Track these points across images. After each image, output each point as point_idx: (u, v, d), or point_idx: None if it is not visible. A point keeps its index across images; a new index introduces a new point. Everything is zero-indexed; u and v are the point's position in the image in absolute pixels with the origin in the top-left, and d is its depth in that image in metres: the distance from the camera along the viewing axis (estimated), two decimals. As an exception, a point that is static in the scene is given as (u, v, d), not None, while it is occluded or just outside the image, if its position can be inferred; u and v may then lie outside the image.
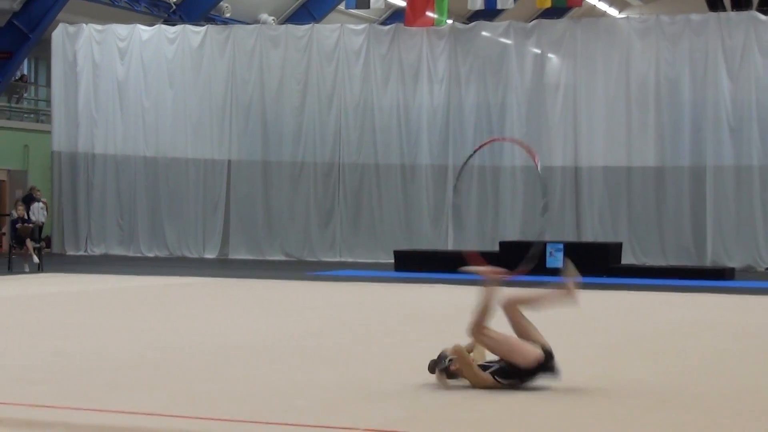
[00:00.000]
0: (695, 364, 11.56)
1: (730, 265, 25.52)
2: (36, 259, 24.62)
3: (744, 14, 28.41)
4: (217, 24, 34.39)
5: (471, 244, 27.23)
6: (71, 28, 31.29)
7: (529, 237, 26.72)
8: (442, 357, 9.08)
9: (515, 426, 7.93)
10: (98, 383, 9.44)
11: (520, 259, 23.38)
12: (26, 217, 26.35)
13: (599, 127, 27.82)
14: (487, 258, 20.52)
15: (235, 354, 11.81)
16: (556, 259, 24.13)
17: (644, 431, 8.05)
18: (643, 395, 9.37)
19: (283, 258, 29.27)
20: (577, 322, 14.60)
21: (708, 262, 26.33)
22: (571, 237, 26.94)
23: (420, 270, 24.34)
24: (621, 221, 27.46)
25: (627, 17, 40.15)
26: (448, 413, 8.44)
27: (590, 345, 12.73)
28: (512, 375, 8.97)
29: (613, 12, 49.92)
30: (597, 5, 49.81)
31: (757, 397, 9.31)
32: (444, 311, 16.44)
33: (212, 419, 8.14)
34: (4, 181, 35.24)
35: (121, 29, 31.27)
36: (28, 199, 29.92)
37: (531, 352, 8.89)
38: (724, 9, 30.93)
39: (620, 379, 10.32)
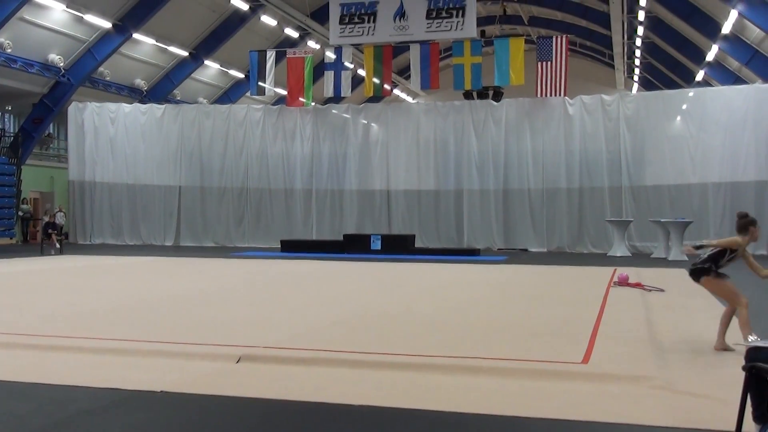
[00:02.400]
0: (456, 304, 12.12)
1: (477, 246, 26.00)
2: (57, 246, 24.29)
3: (485, 101, 28.76)
4: (171, 103, 34.14)
5: (326, 236, 27.66)
6: (80, 105, 30.69)
7: (362, 232, 27.04)
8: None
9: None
10: (98, 322, 9.65)
11: (356, 245, 23.65)
12: (53, 220, 25.92)
13: (401, 166, 27.98)
14: (333, 245, 20.80)
15: (182, 301, 12.10)
16: (376, 244, 24.64)
17: (423, 345, 8.49)
18: (425, 322, 9.94)
19: (213, 245, 29.20)
20: (392, 280, 15.11)
21: (465, 245, 26.76)
22: (385, 231, 27.10)
23: (297, 251, 24.44)
24: (414, 221, 27.70)
25: (417, 102, 41.13)
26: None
27: (397, 294, 13.13)
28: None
29: (409, 99, 50.99)
30: (400, 95, 50.85)
31: (490, 322, 9.99)
32: (305, 273, 16.89)
33: (171, 343, 8.38)
34: (38, 198, 34.38)
35: (111, 106, 30.74)
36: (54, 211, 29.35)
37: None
38: (473, 98, 31.54)
39: (414, 312, 10.87)
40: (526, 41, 28.21)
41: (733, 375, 5.84)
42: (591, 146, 26.10)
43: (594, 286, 13.82)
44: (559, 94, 26.06)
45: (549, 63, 26.00)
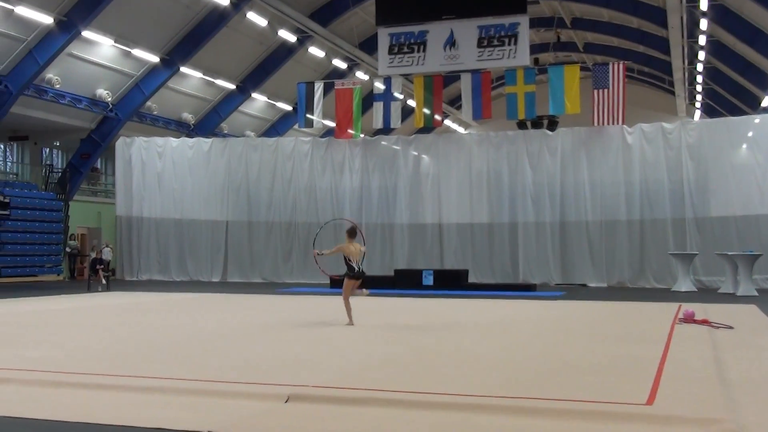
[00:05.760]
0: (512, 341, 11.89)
1: (533, 282, 25.75)
2: (104, 282, 24.53)
3: (539, 131, 28.89)
4: (218, 137, 34.68)
5: (376, 271, 27.67)
6: (128, 140, 31.34)
7: (414, 267, 27.00)
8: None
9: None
10: (144, 360, 9.72)
11: (407, 281, 23.59)
12: (100, 256, 26.31)
13: (453, 198, 28.01)
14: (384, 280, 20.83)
15: (229, 338, 12.16)
16: (428, 279, 24.53)
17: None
18: (480, 361, 9.72)
19: (261, 281, 29.38)
20: (444, 316, 14.95)
21: (520, 280, 26.54)
22: (437, 266, 27.06)
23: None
24: (467, 255, 27.67)
25: (469, 133, 41.13)
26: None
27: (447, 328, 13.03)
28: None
29: (460, 130, 51.09)
30: (451, 125, 50.96)
31: (547, 360, 9.82)
32: (354, 310, 16.88)
33: (218, 381, 8.41)
34: (85, 234, 35.04)
35: (159, 140, 31.36)
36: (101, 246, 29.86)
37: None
38: (527, 128, 31.52)
39: (468, 350, 10.72)
40: (582, 68, 28.09)
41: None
42: (652, 176, 25.79)
43: (658, 323, 13.55)
44: (617, 123, 25.84)
45: (606, 90, 25.82)
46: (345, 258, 12.80)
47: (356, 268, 12.89)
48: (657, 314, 15.28)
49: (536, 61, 38.14)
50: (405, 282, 24.34)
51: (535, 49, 40.67)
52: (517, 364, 8.94)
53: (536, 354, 9.83)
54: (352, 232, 13.14)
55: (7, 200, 29.27)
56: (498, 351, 10.11)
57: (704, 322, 13.10)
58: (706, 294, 21.52)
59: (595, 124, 26.10)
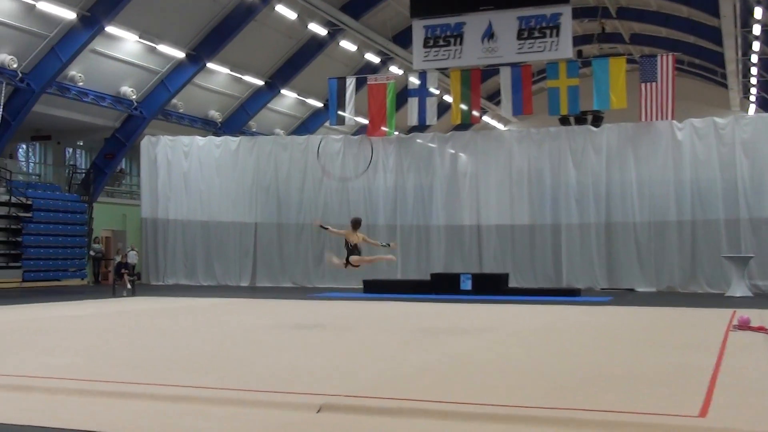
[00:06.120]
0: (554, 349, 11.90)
1: (578, 286, 25.59)
2: (130, 287, 24.72)
3: (583, 127, 28.73)
4: (247, 135, 34.87)
5: (412, 275, 27.66)
6: (153, 139, 31.65)
7: (451, 270, 27.00)
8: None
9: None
10: (171, 367, 9.78)
11: (444, 285, 23.72)
12: (125, 260, 26.60)
13: (492, 199, 27.95)
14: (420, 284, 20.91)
15: (258, 345, 12.23)
16: (466, 284, 24.50)
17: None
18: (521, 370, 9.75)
19: (291, 285, 29.51)
20: (483, 323, 15.02)
21: (564, 284, 26.48)
22: (475, 269, 27.02)
23: (380, 292, 24.55)
24: (507, 259, 27.59)
25: (509, 129, 41.02)
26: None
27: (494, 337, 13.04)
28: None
29: (499, 126, 50.93)
30: (489, 122, 50.79)
31: (593, 369, 9.78)
32: (389, 316, 16.89)
33: (247, 390, 8.44)
34: (110, 237, 35.43)
35: (185, 139, 31.63)
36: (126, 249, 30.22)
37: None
38: (570, 124, 31.35)
39: (509, 358, 10.72)
40: (628, 61, 27.83)
41: None
42: (703, 174, 25.52)
43: (710, 330, 13.42)
44: (666, 118, 25.58)
45: (654, 84, 25.58)
46: (346, 242, 14.34)
47: (352, 247, 14.36)
48: (710, 321, 15.13)
49: (579, 54, 37.87)
50: (442, 286, 24.36)
51: (579, 40, 40.32)
52: (562, 373, 8.89)
53: (581, 363, 9.77)
54: (357, 224, 14.57)
55: (29, 202, 29.70)
56: (541, 359, 10.07)
57: (760, 329, 12.94)
58: (763, 299, 21.23)
59: (643, 119, 25.86)
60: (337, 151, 29.57)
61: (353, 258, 14.14)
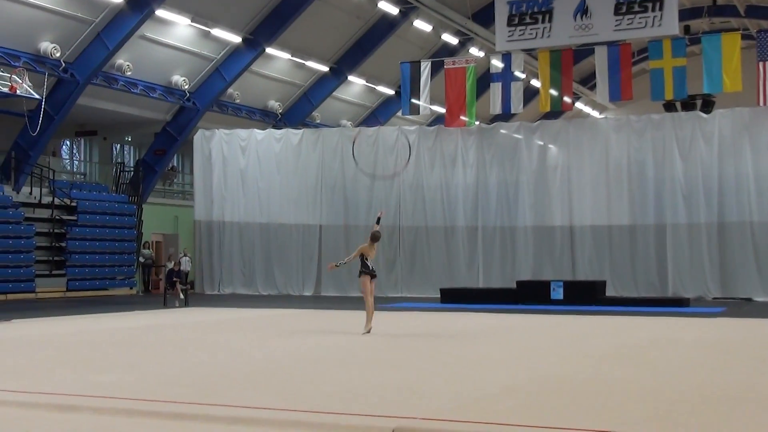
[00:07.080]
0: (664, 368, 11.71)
1: (686, 295, 25.23)
2: (182, 297, 24.93)
3: (691, 113, 28.35)
4: (310, 127, 35.11)
5: (496, 283, 27.54)
6: (207, 133, 32.09)
7: (540, 278, 26.83)
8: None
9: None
10: (228, 386, 9.80)
11: (532, 294, 23.70)
12: (178, 268, 26.90)
13: (587, 196, 27.75)
14: (505, 294, 20.65)
15: (324, 362, 12.26)
16: (557, 293, 24.31)
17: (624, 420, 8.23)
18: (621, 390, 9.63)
19: (360, 295, 29.47)
20: (577, 337, 14.86)
21: (669, 293, 26.15)
22: (568, 276, 26.87)
23: (460, 302, 24.50)
24: (604, 264, 27.35)
25: (605, 117, 40.49)
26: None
27: (588, 354, 12.95)
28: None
29: (594, 113, 50.36)
30: (583, 109, 50.25)
31: (704, 391, 9.57)
32: (470, 329, 16.76)
33: (312, 412, 8.46)
34: (160, 242, 35.94)
35: (242, 132, 32.02)
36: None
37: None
38: (676, 110, 30.92)
39: (606, 377, 10.60)
40: (743, 36, 27.32)
41: None
42: (834, 166, 24.91)
43: (843, 345, 13.05)
44: (789, 102, 25.06)
45: (774, 63, 25.11)
46: (362, 257, 14.98)
47: (370, 267, 15.17)
48: (842, 335, 14.71)
49: (687, 29, 37.16)
50: (529, 296, 24.19)
51: (685, 14, 39.54)
52: (670, 394, 8.73)
53: (692, 383, 9.59)
54: (376, 237, 15.26)
55: (74, 204, 30.35)
56: (644, 379, 9.90)
57: None
58: None
59: (760, 103, 25.41)
60: (411, 144, 29.24)
61: (365, 283, 15.44)
